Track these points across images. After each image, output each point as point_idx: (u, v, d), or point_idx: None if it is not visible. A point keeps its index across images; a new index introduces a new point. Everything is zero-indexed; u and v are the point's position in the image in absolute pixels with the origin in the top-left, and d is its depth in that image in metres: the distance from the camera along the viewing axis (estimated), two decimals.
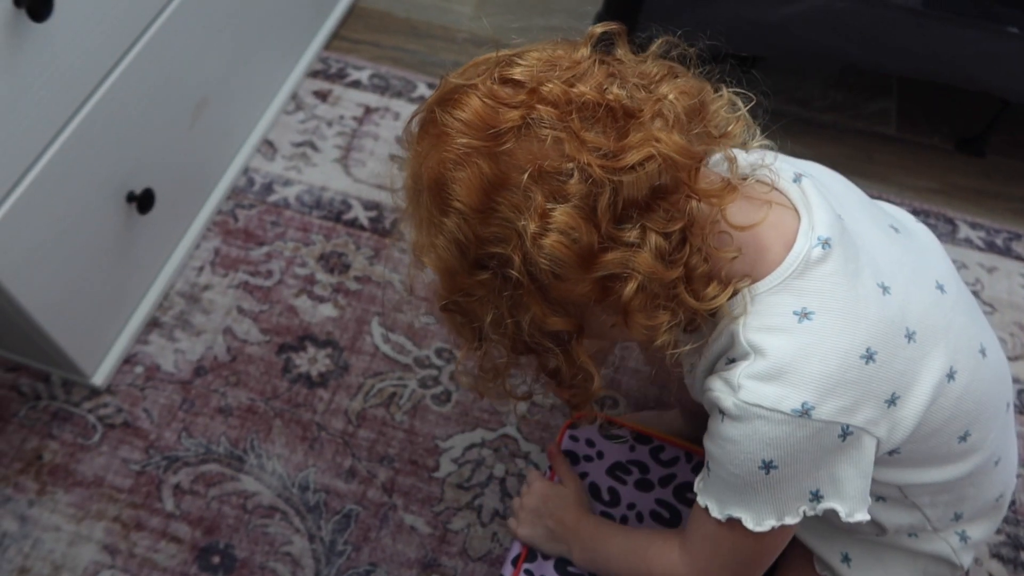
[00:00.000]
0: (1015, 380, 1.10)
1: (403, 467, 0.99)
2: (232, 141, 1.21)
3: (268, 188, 1.21)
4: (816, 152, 1.34)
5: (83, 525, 0.94)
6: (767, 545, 0.63)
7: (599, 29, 0.60)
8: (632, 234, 0.53)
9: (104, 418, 1.01)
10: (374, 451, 1.00)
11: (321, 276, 1.13)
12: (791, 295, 0.57)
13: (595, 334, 0.61)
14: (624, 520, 0.84)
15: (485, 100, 0.54)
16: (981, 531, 0.73)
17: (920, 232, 0.71)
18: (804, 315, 0.57)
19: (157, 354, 1.06)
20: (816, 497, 0.59)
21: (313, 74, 1.35)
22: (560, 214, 0.52)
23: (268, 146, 1.26)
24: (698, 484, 0.65)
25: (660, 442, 0.89)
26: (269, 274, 1.13)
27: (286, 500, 0.96)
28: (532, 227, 0.52)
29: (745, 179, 0.60)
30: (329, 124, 1.29)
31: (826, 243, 0.57)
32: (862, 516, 0.59)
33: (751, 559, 0.65)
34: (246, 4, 1.10)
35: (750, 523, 0.60)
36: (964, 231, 1.25)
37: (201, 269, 1.13)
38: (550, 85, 0.54)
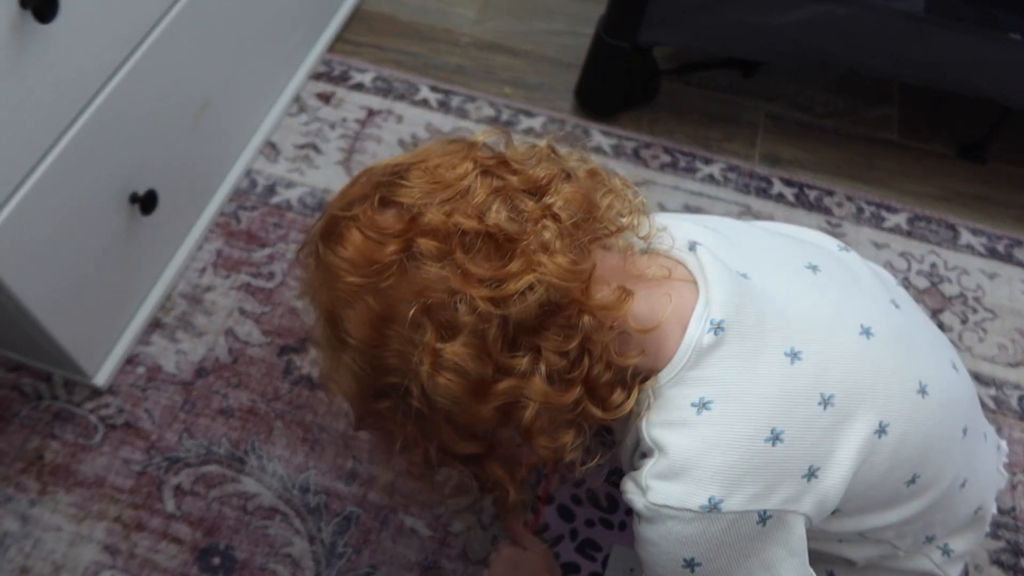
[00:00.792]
0: (1016, 386, 1.11)
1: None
2: (235, 143, 1.21)
3: (271, 190, 1.21)
4: (817, 157, 1.34)
5: (84, 525, 0.94)
6: None
7: (482, 138, 0.60)
8: (523, 361, 0.52)
9: (105, 418, 1.01)
10: (375, 453, 1.00)
11: None
12: (688, 386, 0.56)
13: (506, 454, 0.61)
14: (622, 527, 0.84)
15: (366, 233, 0.54)
16: (965, 543, 0.71)
17: (851, 262, 0.68)
18: (703, 405, 0.55)
19: (159, 355, 1.06)
20: None
21: (316, 76, 1.35)
22: (450, 353, 0.52)
23: (271, 148, 1.26)
24: None
25: None
26: (271, 276, 1.13)
27: (287, 502, 0.96)
28: (424, 367, 0.52)
29: (645, 252, 0.59)
30: (332, 126, 1.29)
31: (719, 327, 0.55)
32: None
33: None
34: (250, 7, 1.11)
35: None
36: (965, 237, 1.25)
37: (203, 270, 1.13)
38: (430, 214, 0.53)
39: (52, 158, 0.81)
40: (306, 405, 1.03)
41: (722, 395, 0.55)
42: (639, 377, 0.57)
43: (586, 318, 0.53)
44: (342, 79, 1.35)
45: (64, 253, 0.88)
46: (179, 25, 0.94)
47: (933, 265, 1.22)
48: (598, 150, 1.29)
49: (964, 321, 1.16)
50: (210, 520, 0.95)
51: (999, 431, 1.06)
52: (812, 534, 0.59)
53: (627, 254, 0.58)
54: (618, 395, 0.56)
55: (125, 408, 1.02)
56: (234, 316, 1.09)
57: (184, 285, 1.12)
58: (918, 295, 1.18)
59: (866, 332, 0.60)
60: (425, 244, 0.52)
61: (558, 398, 0.53)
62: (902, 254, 1.22)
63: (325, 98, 1.33)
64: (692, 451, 0.55)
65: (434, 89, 1.35)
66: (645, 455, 0.58)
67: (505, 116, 1.32)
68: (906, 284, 1.19)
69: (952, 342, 0.87)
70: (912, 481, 0.61)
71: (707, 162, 1.30)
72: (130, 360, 1.05)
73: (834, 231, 1.22)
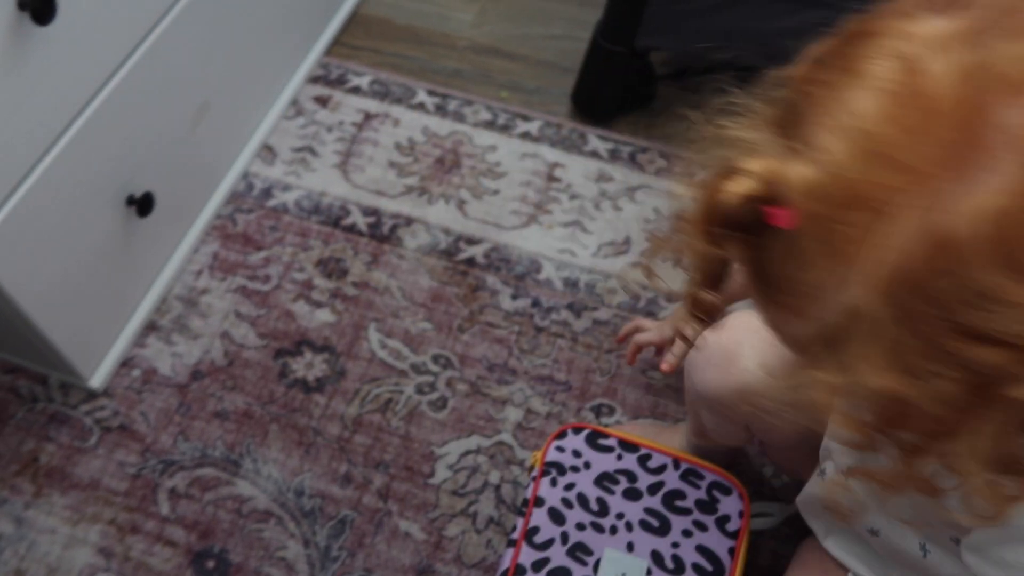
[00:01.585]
0: None
1: (398, 473, 0.99)
2: (232, 146, 1.22)
3: (267, 193, 1.22)
4: None
5: (79, 528, 0.94)
6: None
7: None
8: None
9: (101, 421, 1.01)
10: (370, 457, 1.00)
11: (319, 281, 1.13)
12: None
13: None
14: (613, 530, 0.84)
15: None
16: None
17: None
18: None
19: (154, 357, 1.06)
20: None
21: (314, 80, 1.35)
22: None
23: (268, 151, 1.26)
24: None
25: (647, 450, 0.89)
26: (267, 279, 1.13)
27: (281, 505, 0.96)
28: None
29: None
30: (329, 129, 1.30)
31: None
32: None
33: None
34: (248, 10, 1.11)
35: None
36: None
37: (199, 273, 1.13)
38: None
39: (49, 160, 0.81)
40: (301, 409, 1.03)
41: None
42: None
43: None
44: (339, 82, 1.35)
45: (60, 255, 0.88)
46: (177, 28, 0.95)
47: None
48: (595, 154, 1.30)
49: None
50: (205, 523, 0.95)
51: None
52: None
53: None
54: None
55: (120, 411, 1.02)
56: (230, 319, 1.09)
57: (180, 288, 1.12)
58: None
59: None
60: None
61: None
62: None
63: (322, 101, 1.33)
64: None
65: (431, 93, 1.35)
66: None
67: (502, 120, 1.32)
68: None
69: None
70: None
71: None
72: (125, 363, 1.05)
73: None
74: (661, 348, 1.00)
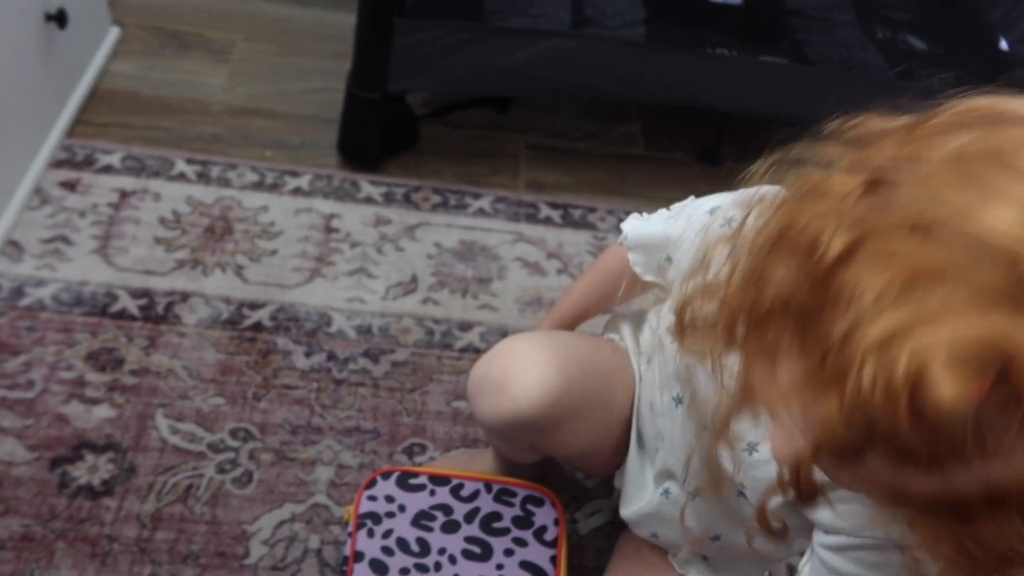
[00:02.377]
0: None
1: (210, 562, 0.93)
2: None
3: (18, 292, 1.11)
4: (576, 179, 1.43)
5: None
6: None
7: None
8: None
9: None
10: (175, 552, 0.93)
11: (91, 376, 1.05)
12: None
13: None
14: (438, 567, 0.84)
15: None
16: None
17: None
18: None
19: None
20: None
21: (57, 164, 1.26)
22: None
23: (13, 247, 1.16)
24: None
25: (458, 480, 0.91)
26: (30, 385, 1.03)
27: None
28: None
29: None
30: (82, 214, 1.21)
31: None
32: None
33: None
34: None
35: None
36: None
37: None
38: None
39: None
40: (90, 517, 0.95)
41: None
42: None
43: None
44: (87, 163, 1.27)
45: None
46: None
47: None
48: (369, 200, 1.30)
49: None
50: None
51: None
52: None
53: None
54: None
55: None
56: None
57: None
58: None
59: None
60: None
61: None
62: None
63: (70, 186, 1.24)
64: None
65: (190, 161, 1.30)
66: None
67: (270, 179, 1.30)
68: None
69: None
70: None
71: (476, 197, 1.35)
72: None
73: (600, 243, 1.31)
74: None
